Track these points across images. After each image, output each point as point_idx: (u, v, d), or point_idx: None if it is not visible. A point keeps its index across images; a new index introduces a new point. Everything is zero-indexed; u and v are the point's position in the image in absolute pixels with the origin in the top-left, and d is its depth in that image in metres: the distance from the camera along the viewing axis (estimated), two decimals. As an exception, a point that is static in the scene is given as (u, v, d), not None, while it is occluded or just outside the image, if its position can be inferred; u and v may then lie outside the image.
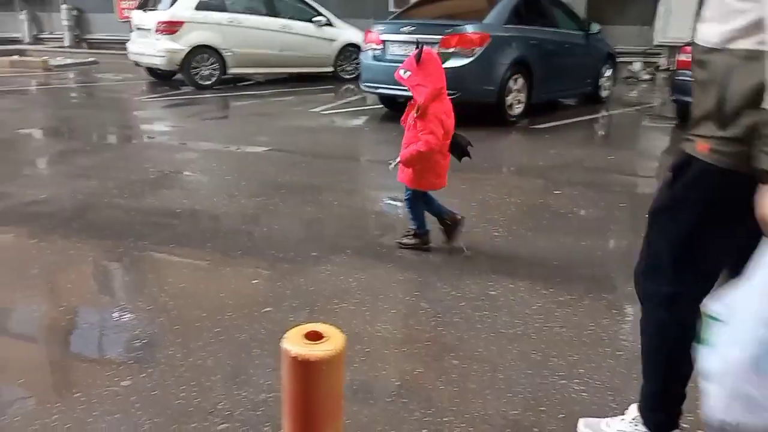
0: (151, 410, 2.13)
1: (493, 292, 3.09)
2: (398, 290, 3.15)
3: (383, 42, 7.51)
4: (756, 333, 1.26)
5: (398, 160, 3.40)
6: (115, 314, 2.84)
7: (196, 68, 10.08)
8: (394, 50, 7.41)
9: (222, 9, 10.27)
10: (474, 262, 3.49)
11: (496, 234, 3.93)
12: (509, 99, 7.43)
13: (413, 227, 3.62)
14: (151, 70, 11.00)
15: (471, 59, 6.97)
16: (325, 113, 8.51)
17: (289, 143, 6.62)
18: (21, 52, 14.84)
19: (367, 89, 8.09)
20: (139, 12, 10.61)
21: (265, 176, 5.30)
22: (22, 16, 17.65)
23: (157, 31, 9.86)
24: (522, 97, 7.59)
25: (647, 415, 1.89)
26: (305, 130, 7.42)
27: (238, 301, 3.05)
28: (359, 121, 8.32)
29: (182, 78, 10.39)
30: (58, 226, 3.95)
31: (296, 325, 1.44)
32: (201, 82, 10.14)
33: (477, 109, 7.77)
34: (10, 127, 7.37)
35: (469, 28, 7.09)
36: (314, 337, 1.30)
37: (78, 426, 2.05)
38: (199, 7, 10.03)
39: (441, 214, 3.63)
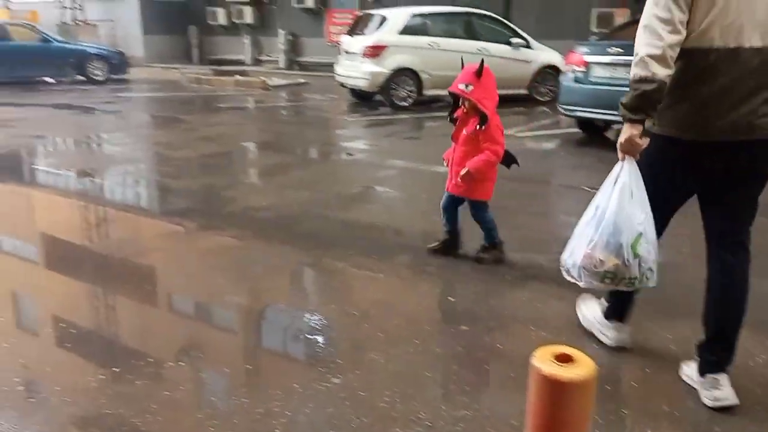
0: (359, 409, 2.28)
1: (707, 337, 2.84)
2: (598, 323, 3.03)
3: (587, 64, 7.29)
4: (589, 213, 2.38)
5: (465, 170, 3.52)
6: (326, 316, 3.08)
7: (394, 90, 10.61)
8: (599, 72, 7.16)
9: (424, 33, 10.72)
10: (686, 300, 3.23)
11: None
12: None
13: (491, 239, 3.76)
14: (354, 91, 11.77)
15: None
16: (518, 135, 8.45)
17: (482, 164, 6.68)
18: (243, 73, 16.73)
19: (565, 112, 7.90)
20: (348, 37, 11.44)
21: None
22: (246, 40, 19.90)
23: (363, 54, 10.55)
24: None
25: None
26: (497, 151, 7.44)
27: (435, 315, 3.15)
28: (552, 145, 8.15)
29: (381, 99, 10.99)
30: (278, 231, 4.40)
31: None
32: (398, 103, 10.64)
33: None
34: (234, 140, 8.36)
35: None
36: (563, 359, 1.32)
37: (296, 415, 2.26)
38: (403, 32, 10.57)
39: (456, 229, 3.85)
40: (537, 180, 6.17)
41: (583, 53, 7.39)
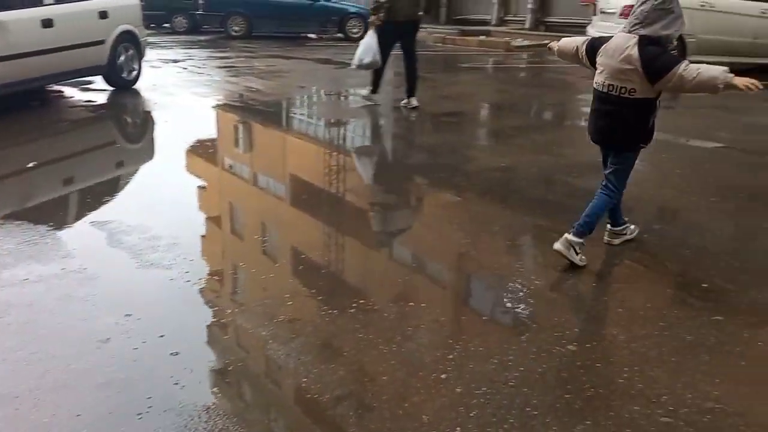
0: (595, 380, 2.24)
1: None
2: None
3: None
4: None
5: None
6: (564, 284, 3.04)
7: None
8: None
9: (698, -8, 9.60)
10: None
11: None
12: None
13: None
14: (604, 54, 11.04)
15: None
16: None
17: (751, 142, 5.92)
18: (487, 33, 16.67)
19: None
20: (608, -5, 10.71)
21: (719, 176, 4.87)
22: (495, 0, 19.68)
23: (620, 14, 9.80)
24: None
25: None
26: (771, 129, 6.51)
27: (685, 301, 2.93)
28: None
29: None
30: (515, 193, 4.41)
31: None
32: (655, 69, 9.77)
33: None
34: (475, 100, 8.45)
35: None
36: None
37: (530, 372, 2.29)
38: (670, -9, 9.59)
39: None
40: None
41: None
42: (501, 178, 4.77)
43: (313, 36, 16.60)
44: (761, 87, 2.79)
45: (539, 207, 4.10)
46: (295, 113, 7.66)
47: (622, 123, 3.07)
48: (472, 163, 5.22)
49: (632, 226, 3.49)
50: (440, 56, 13.36)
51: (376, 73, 7.22)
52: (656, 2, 2.87)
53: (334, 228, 3.92)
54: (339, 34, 16.23)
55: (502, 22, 19.31)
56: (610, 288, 2.97)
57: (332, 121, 7.04)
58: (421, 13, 7.04)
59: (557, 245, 3.08)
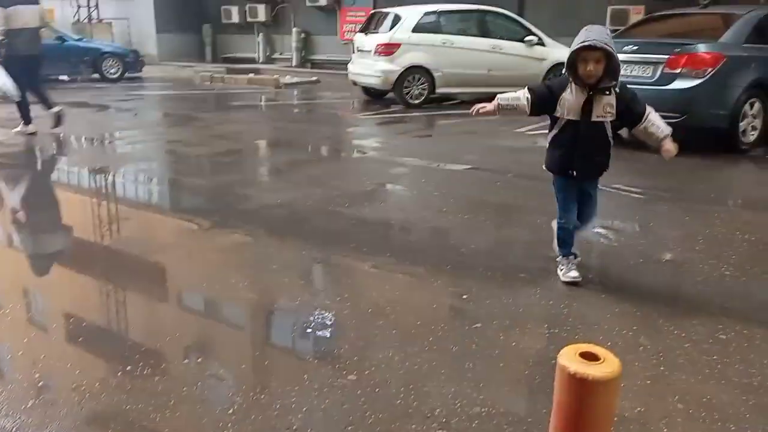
0: (375, 406, 2.30)
1: (723, 336, 2.84)
2: (614, 323, 3.03)
3: (601, 62, 7.25)
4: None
5: None
6: (340, 313, 3.10)
7: (407, 88, 10.61)
8: (613, 71, 7.12)
9: (437, 31, 10.69)
10: (701, 301, 3.23)
11: (727, 273, 3.59)
12: (743, 125, 6.75)
13: None
14: (366, 89, 11.78)
15: (701, 81, 6.47)
16: (531, 134, 8.41)
17: (492, 162, 6.68)
18: (256, 71, 16.77)
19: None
20: (361, 35, 11.44)
21: (470, 194, 5.41)
22: (259, 38, 19.95)
23: (375, 53, 10.56)
24: (758, 123, 6.86)
25: None
26: (509, 150, 7.42)
27: (449, 313, 3.17)
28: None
29: (393, 97, 10.99)
30: (291, 228, 4.43)
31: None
32: (411, 101, 10.64)
33: (704, 135, 7.17)
34: (248, 138, 8.39)
35: (702, 48, 6.59)
36: (589, 357, 1.32)
37: (312, 411, 2.28)
38: (415, 30, 10.56)
39: None
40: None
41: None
42: (278, 215, 4.76)
43: (66, 78, 15.19)
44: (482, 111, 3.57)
45: (316, 240, 4.16)
46: (48, 164, 6.89)
47: None
48: (248, 202, 5.15)
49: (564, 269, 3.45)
50: (210, 95, 13.11)
51: (21, 106, 7.82)
52: None
53: (96, 288, 3.55)
54: (95, 75, 15.07)
55: (269, 59, 19.62)
56: (383, 311, 3.10)
57: (94, 168, 6.46)
58: (41, 46, 8.03)
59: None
